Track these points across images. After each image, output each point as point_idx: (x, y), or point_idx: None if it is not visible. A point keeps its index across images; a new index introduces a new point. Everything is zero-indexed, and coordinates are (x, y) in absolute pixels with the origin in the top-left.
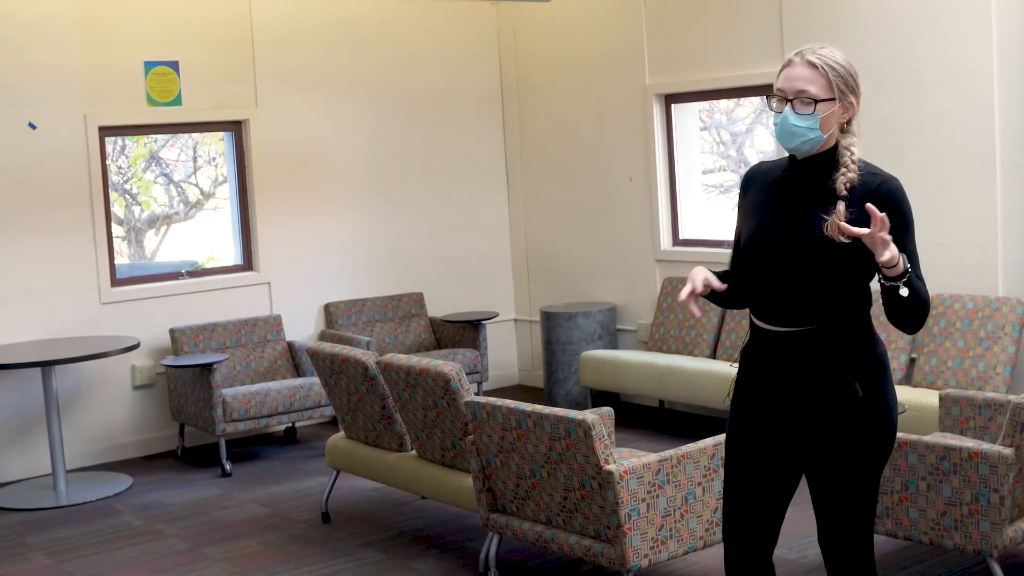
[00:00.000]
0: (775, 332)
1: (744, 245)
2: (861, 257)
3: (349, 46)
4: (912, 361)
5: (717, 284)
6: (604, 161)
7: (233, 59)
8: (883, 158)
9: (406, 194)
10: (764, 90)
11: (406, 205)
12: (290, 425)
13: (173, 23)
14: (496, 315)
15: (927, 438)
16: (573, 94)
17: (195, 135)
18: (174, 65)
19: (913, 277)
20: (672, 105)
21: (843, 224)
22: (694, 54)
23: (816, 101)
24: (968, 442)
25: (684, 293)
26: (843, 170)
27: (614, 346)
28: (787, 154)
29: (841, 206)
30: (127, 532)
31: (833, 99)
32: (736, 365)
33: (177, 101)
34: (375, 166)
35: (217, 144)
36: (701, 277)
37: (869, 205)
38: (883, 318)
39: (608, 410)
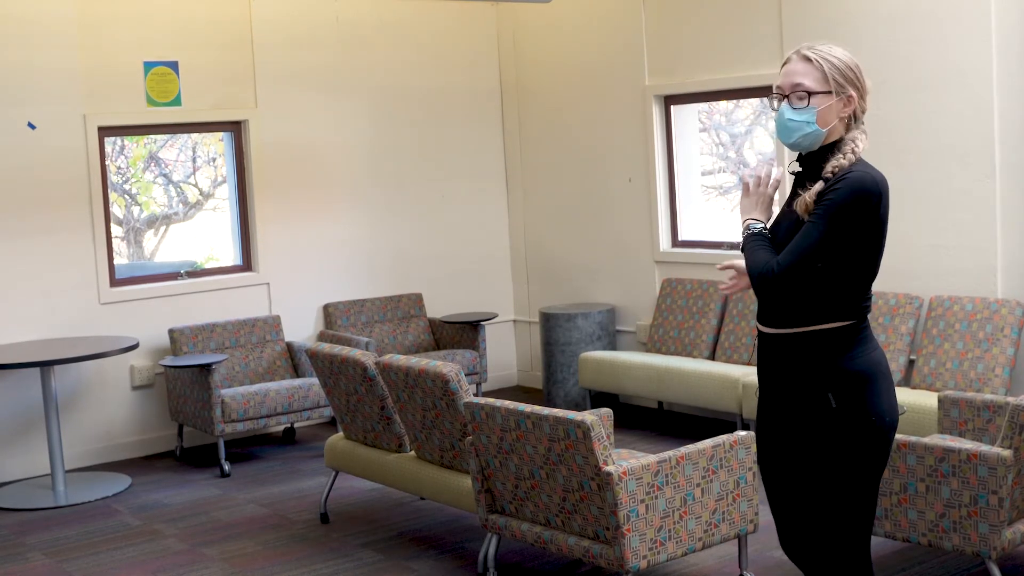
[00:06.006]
0: (765, 335)
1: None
2: (835, 251)
3: (349, 46)
4: (911, 363)
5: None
6: (603, 162)
7: (233, 59)
8: (882, 159)
9: (406, 195)
10: (764, 91)
11: (406, 206)
12: (289, 425)
13: (173, 23)
14: (495, 316)
15: (926, 440)
16: (573, 95)
17: (194, 135)
18: (174, 65)
19: (753, 245)
20: (671, 106)
21: (809, 200)
22: (693, 55)
23: (810, 94)
24: (967, 444)
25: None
26: (839, 155)
27: (613, 347)
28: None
29: (818, 184)
30: (126, 532)
31: (829, 92)
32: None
33: (177, 101)
34: (375, 167)
35: (216, 144)
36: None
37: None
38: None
39: (607, 411)
